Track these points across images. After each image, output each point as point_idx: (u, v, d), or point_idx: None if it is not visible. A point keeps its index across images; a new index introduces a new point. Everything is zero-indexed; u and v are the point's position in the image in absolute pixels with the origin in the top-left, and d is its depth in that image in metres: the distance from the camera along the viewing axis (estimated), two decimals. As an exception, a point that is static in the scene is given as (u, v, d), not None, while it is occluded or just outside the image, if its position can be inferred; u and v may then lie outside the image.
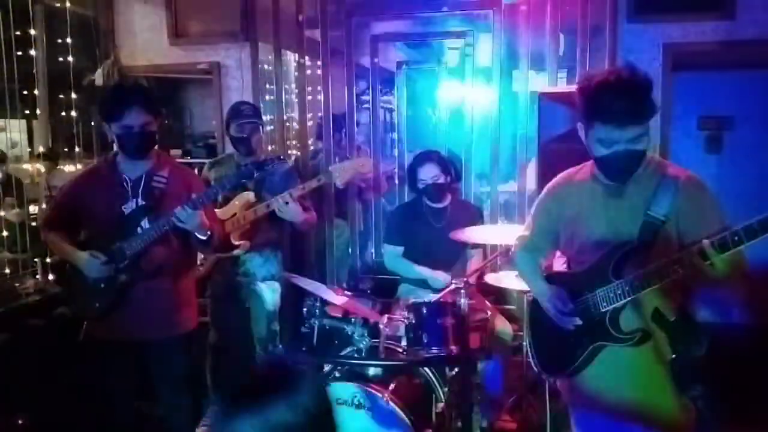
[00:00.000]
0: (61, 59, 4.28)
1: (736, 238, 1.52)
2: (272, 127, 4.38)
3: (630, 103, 1.71)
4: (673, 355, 1.19)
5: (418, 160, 3.50)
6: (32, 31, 4.11)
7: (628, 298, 1.79)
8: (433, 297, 2.92)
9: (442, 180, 3.41)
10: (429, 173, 3.40)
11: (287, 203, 2.99)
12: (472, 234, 3.26)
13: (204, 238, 2.55)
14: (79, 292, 2.64)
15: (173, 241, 2.61)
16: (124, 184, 2.59)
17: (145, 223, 2.55)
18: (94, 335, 2.66)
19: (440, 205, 3.50)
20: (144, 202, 2.57)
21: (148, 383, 2.73)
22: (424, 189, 3.44)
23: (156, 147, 2.66)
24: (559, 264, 2.18)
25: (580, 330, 1.91)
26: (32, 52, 4.13)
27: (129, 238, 2.53)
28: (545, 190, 2.13)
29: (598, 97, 1.74)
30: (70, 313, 2.79)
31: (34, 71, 4.17)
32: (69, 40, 4.24)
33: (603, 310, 1.85)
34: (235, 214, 3.13)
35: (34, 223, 4.10)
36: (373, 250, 4.47)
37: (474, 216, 3.59)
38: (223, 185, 2.57)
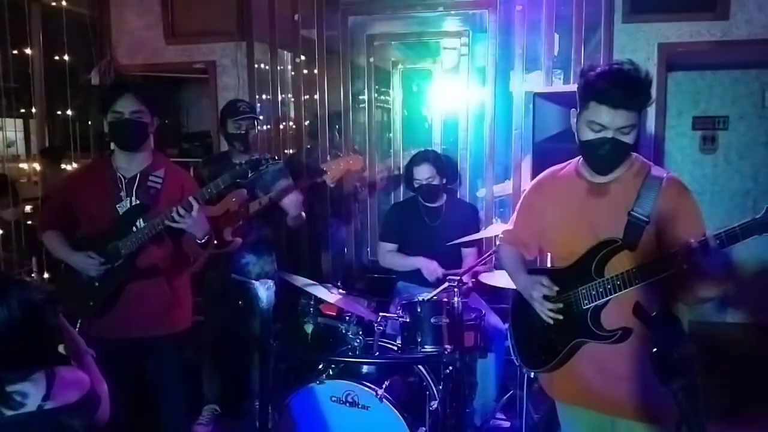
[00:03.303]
0: (57, 58, 4.28)
1: (718, 241, 1.55)
2: (269, 126, 4.39)
3: (626, 88, 1.73)
4: (654, 349, 1.21)
5: (414, 159, 3.53)
6: (28, 30, 4.11)
7: (610, 297, 1.81)
8: (427, 295, 2.94)
9: (436, 181, 3.43)
10: (424, 173, 3.42)
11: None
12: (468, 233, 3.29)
13: (201, 240, 2.56)
14: (73, 290, 2.64)
15: (168, 240, 2.61)
16: (119, 183, 2.59)
17: (140, 223, 2.55)
18: (89, 333, 2.66)
19: (435, 204, 3.52)
20: (138, 201, 2.57)
21: (141, 381, 2.74)
22: (419, 188, 3.46)
23: (152, 146, 2.66)
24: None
25: (562, 326, 1.93)
26: (28, 51, 4.13)
27: (124, 237, 2.53)
28: (530, 185, 2.16)
29: (598, 78, 1.77)
30: (64, 311, 2.78)
31: (30, 70, 4.17)
32: (65, 38, 4.24)
33: (584, 308, 1.87)
34: (228, 210, 3.15)
35: (29, 222, 4.10)
36: (368, 249, 4.47)
37: (469, 215, 3.61)
38: (217, 185, 2.57)
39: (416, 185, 3.47)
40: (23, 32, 4.09)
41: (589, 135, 1.80)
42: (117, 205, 2.57)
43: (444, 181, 3.49)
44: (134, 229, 2.53)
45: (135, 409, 2.72)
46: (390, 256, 3.58)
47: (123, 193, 2.57)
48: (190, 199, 2.44)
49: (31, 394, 1.61)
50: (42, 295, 1.77)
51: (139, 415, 2.73)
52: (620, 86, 1.72)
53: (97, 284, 2.57)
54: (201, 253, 2.69)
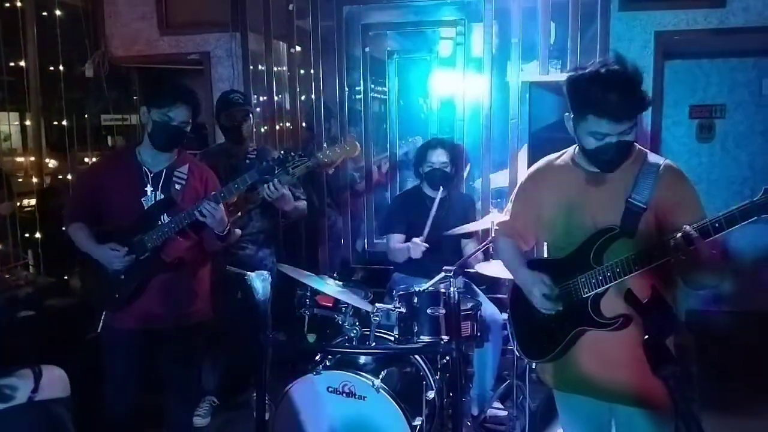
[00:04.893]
0: (51, 51, 4.25)
1: (717, 225, 1.55)
2: (264, 117, 4.37)
3: (626, 98, 1.70)
4: (646, 336, 1.22)
5: (430, 143, 3.58)
6: (21, 23, 4.08)
7: (610, 284, 1.81)
8: (423, 286, 2.93)
9: (448, 168, 3.45)
10: (439, 158, 3.46)
11: (277, 189, 3.03)
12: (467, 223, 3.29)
13: (222, 234, 2.59)
14: (99, 283, 2.66)
15: (191, 233, 2.65)
16: (144, 176, 2.62)
17: (164, 217, 2.58)
18: (112, 325, 2.68)
19: (439, 194, 3.51)
20: (163, 196, 2.60)
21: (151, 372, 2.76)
22: (429, 172, 3.46)
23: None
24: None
25: (562, 315, 1.93)
26: (21, 44, 4.10)
27: (149, 231, 2.56)
28: (526, 175, 2.14)
29: (592, 91, 1.73)
30: (92, 303, 2.78)
31: (24, 63, 4.14)
32: (58, 31, 4.21)
33: (584, 296, 1.87)
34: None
35: (25, 216, 4.08)
36: (365, 241, 4.47)
37: (468, 206, 3.64)
38: (244, 180, 2.59)
39: (427, 169, 3.47)
40: (16, 25, 4.06)
41: (592, 144, 1.79)
42: (142, 199, 2.60)
43: (453, 170, 3.51)
44: (159, 223, 2.56)
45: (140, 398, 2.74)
46: (399, 248, 3.54)
47: (148, 187, 2.60)
48: (216, 193, 2.50)
49: (21, 387, 1.71)
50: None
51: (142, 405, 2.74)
52: (619, 98, 1.69)
53: (123, 277, 2.60)
54: (220, 246, 2.74)
